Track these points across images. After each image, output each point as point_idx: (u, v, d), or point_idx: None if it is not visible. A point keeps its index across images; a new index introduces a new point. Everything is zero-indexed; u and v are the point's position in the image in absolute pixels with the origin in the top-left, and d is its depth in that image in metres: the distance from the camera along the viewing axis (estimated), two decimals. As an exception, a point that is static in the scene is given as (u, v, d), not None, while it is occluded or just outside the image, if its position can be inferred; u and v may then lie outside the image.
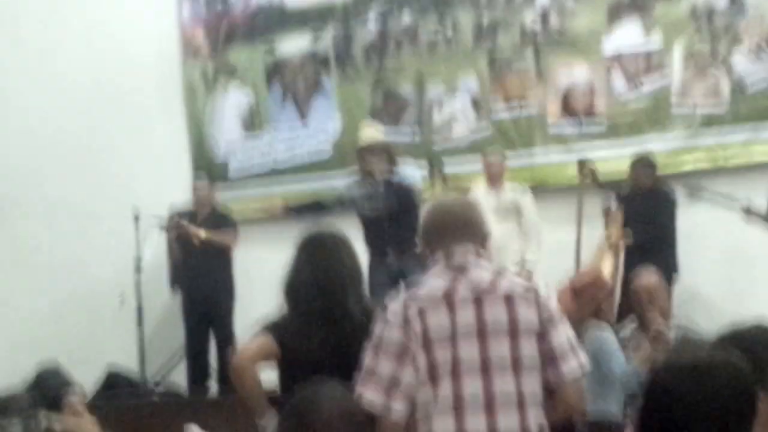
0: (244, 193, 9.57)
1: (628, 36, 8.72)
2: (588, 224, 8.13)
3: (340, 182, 8.11)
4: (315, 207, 7.61)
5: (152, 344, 8.59)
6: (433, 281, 3.09)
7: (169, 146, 9.66)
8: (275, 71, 9.67)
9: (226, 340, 8.28)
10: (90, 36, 9.21)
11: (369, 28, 9.41)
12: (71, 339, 8.47)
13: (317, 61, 9.56)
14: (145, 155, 9.24)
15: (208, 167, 9.59)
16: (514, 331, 3.02)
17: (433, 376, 2.98)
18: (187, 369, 8.53)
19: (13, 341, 8.36)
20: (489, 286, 3.06)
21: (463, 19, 9.12)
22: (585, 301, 5.25)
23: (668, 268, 7.91)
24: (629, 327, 5.71)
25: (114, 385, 8.30)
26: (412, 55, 9.29)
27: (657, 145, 8.44)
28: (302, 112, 9.58)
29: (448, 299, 3.03)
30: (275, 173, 9.60)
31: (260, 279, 8.90)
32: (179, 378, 8.65)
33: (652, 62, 8.65)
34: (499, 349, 3.00)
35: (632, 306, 5.69)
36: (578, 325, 5.22)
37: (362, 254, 5.45)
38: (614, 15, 8.75)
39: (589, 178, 8.20)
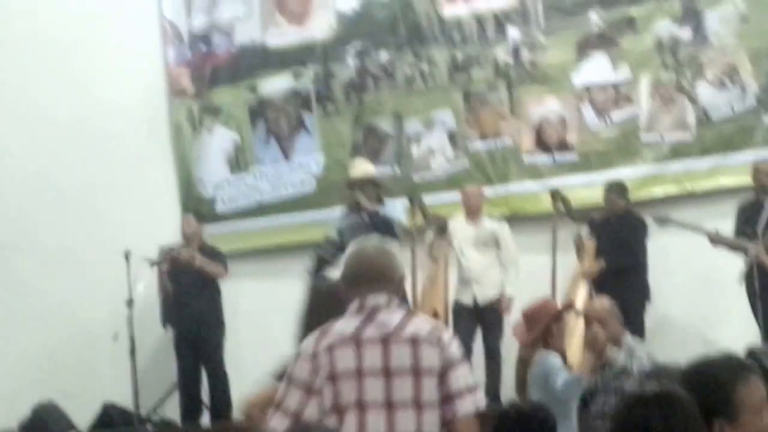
0: (232, 229, 9.73)
1: (596, 69, 8.97)
2: (562, 252, 8.41)
3: (324, 216, 8.33)
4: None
5: (146, 379, 8.78)
6: (345, 322, 3.39)
7: (158, 187, 9.80)
8: (259, 111, 9.85)
9: (216, 374, 8.56)
10: (76, 80, 9.38)
11: (348, 65, 9.64)
12: (67, 378, 8.71)
13: (299, 100, 9.75)
14: (135, 196, 9.43)
15: (196, 206, 9.71)
16: (417, 371, 3.30)
17: (338, 409, 3.27)
18: (180, 403, 8.74)
19: (10, 382, 8.59)
20: (395, 329, 3.35)
21: (438, 55, 9.36)
22: (535, 325, 5.57)
23: (642, 295, 8.20)
24: None
25: (110, 418, 8.53)
26: (389, 91, 9.51)
27: (627, 173, 8.69)
28: (285, 150, 9.76)
29: (356, 339, 3.32)
30: (261, 210, 9.74)
31: (248, 313, 9.22)
32: (173, 413, 8.84)
33: (620, 94, 8.91)
34: (403, 386, 3.29)
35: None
36: (530, 351, 5.61)
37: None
38: (583, 49, 9.00)
39: (562, 207, 8.48)
